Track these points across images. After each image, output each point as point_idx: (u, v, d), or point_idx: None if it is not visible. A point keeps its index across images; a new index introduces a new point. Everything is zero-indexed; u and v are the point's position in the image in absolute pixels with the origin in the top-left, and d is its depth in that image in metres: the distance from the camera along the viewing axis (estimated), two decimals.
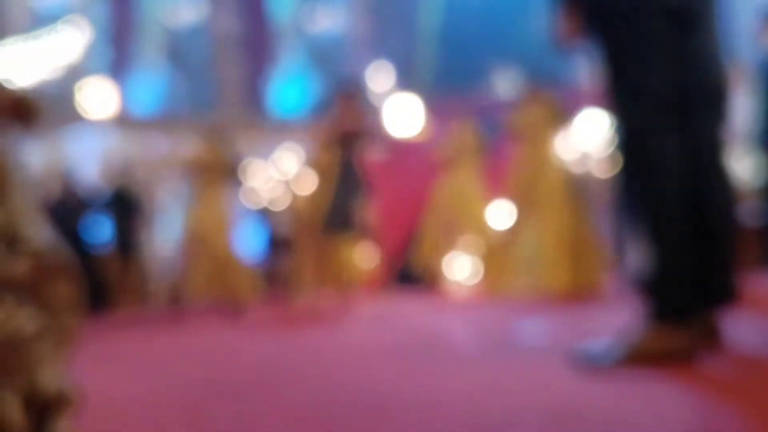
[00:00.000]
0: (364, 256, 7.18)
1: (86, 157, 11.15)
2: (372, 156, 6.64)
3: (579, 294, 5.70)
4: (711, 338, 2.53)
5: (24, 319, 0.66)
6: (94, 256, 7.85)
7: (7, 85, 0.70)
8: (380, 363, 2.97)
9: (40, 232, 0.69)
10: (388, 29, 18.06)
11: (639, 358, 2.33)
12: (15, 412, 0.64)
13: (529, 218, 6.06)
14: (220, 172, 6.68)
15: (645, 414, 1.74)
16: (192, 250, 6.68)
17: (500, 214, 7.05)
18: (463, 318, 4.78)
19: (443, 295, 7.02)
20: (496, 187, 7.24)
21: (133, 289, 8.37)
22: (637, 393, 1.98)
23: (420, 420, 1.82)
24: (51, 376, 0.67)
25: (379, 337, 4.02)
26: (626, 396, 1.96)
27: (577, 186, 6.57)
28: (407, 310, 6.02)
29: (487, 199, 7.27)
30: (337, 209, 6.14)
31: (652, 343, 2.35)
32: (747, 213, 6.18)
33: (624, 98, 2.50)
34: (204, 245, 6.48)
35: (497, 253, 6.67)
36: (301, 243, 6.72)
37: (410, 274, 8.01)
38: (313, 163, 6.90)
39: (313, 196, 6.60)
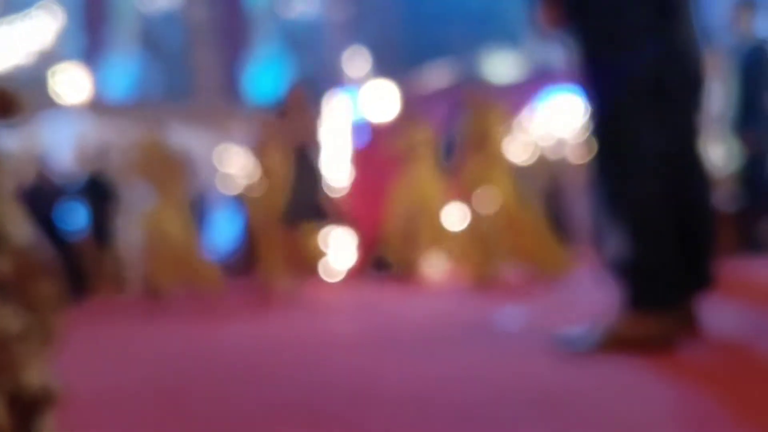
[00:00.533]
0: (333, 243, 7.23)
1: (60, 142, 11.04)
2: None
3: (547, 278, 5.83)
4: (689, 325, 2.55)
5: (8, 318, 0.65)
6: (69, 243, 7.78)
7: None
8: (360, 351, 2.98)
9: (21, 229, 0.68)
10: (364, 14, 17.99)
11: (618, 344, 2.35)
12: (0, 411, 0.63)
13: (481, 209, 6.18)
14: (168, 167, 6.66)
15: (625, 401, 1.76)
16: (151, 245, 6.63)
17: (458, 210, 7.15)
18: (440, 305, 4.80)
19: (417, 282, 7.05)
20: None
21: (109, 277, 8.31)
22: (617, 380, 2.01)
23: (404, 409, 1.83)
24: (36, 374, 0.66)
25: (357, 325, 4.03)
26: (606, 383, 1.97)
27: (526, 176, 6.78)
28: (383, 297, 6.04)
29: (445, 195, 7.34)
30: (298, 200, 6.19)
31: (631, 330, 2.36)
32: (722, 199, 6.25)
33: (603, 83, 2.50)
34: (162, 240, 6.45)
35: (461, 243, 6.73)
36: (264, 234, 6.71)
37: (384, 261, 8.04)
38: (260, 156, 6.93)
39: (267, 190, 6.64)
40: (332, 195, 6.58)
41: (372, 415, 1.79)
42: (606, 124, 2.52)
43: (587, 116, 2.70)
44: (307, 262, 6.81)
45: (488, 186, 6.20)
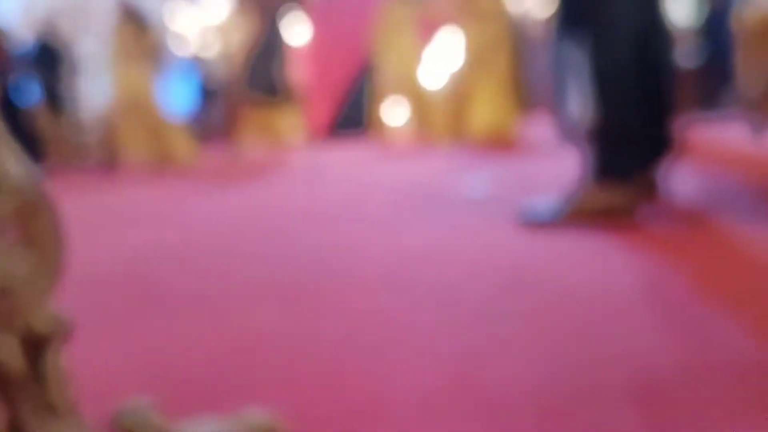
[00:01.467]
0: (292, 116, 7.16)
1: (6, 7, 10.58)
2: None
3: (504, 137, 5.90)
4: (650, 193, 2.62)
5: (15, 262, 0.66)
6: (22, 111, 7.61)
7: None
8: (331, 223, 3.00)
9: (17, 166, 0.68)
10: None
11: (583, 214, 2.41)
12: (15, 355, 0.65)
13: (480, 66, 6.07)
14: (139, 41, 6.47)
15: (593, 276, 1.80)
16: (123, 116, 6.51)
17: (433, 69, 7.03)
18: (407, 170, 4.81)
19: (381, 142, 7.05)
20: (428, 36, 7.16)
21: (64, 143, 8.18)
22: (584, 252, 2.05)
23: (382, 282, 1.87)
24: (44, 313, 0.67)
25: (327, 194, 4.04)
26: (573, 255, 2.02)
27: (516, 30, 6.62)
28: (349, 162, 6.04)
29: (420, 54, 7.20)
30: (257, 73, 6.08)
31: (596, 200, 2.42)
32: (684, 54, 6.25)
33: None
34: (134, 112, 6.34)
35: (430, 102, 6.68)
36: (233, 98, 6.63)
37: (350, 119, 7.99)
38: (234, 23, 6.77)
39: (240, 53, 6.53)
40: (291, 70, 6.42)
41: (356, 292, 1.82)
42: None
43: None
44: (268, 131, 6.75)
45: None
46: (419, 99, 7.01)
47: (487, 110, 6.03)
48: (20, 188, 0.66)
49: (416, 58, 7.13)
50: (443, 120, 6.34)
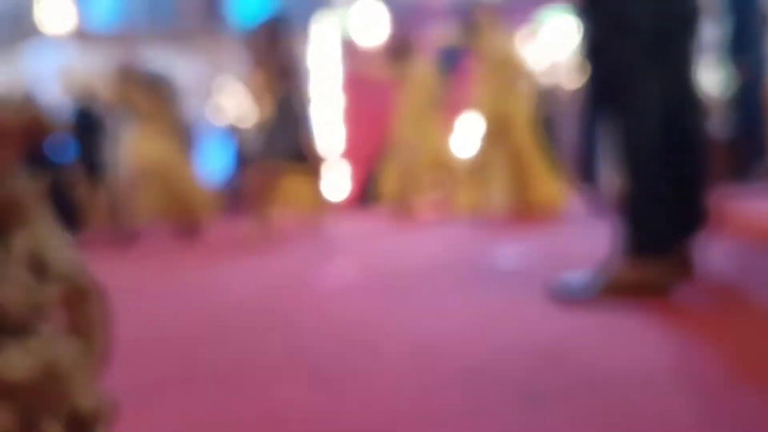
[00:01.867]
0: (317, 184, 7.21)
1: (46, 74, 10.89)
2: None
3: (539, 211, 5.84)
4: (685, 268, 2.60)
5: (62, 349, 0.67)
6: (60, 177, 7.73)
7: (24, 104, 0.68)
8: (359, 296, 2.99)
9: (64, 254, 0.70)
10: None
11: (617, 291, 2.39)
12: None
13: (496, 141, 6.10)
14: (149, 92, 6.51)
15: (627, 353, 1.78)
16: (136, 182, 6.51)
17: (462, 142, 7.08)
18: (436, 243, 4.80)
19: (410, 216, 7.05)
20: (457, 113, 7.22)
21: (101, 210, 8.28)
22: (620, 330, 2.02)
23: (412, 360, 1.86)
24: (89, 397, 0.68)
25: (354, 266, 4.05)
26: (609, 334, 2.00)
27: (541, 104, 6.69)
28: (379, 235, 6.04)
29: (448, 131, 7.27)
30: (277, 140, 6.12)
31: (630, 277, 2.39)
32: (716, 126, 6.25)
33: (605, 30, 2.49)
34: (150, 176, 6.34)
35: (463, 176, 6.69)
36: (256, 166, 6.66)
37: (377, 193, 8.00)
38: (249, 83, 6.85)
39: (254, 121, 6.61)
40: (314, 140, 6.45)
41: (384, 370, 1.80)
42: (611, 72, 2.51)
43: (583, 51, 2.69)
44: (292, 200, 6.77)
45: (506, 113, 6.10)
46: (444, 172, 7.05)
47: (542, 184, 6.02)
48: (68, 274, 0.68)
49: (440, 132, 7.20)
50: (467, 193, 6.34)
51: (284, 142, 6.05)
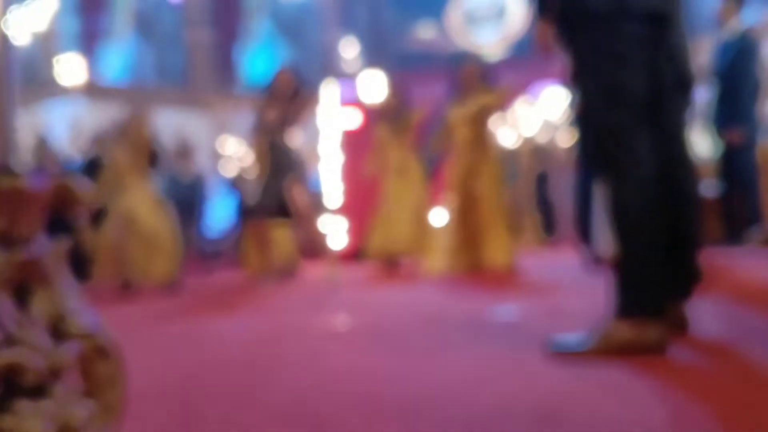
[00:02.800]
0: (294, 238, 7.24)
1: (57, 126, 11.01)
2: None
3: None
4: (680, 327, 2.60)
5: (75, 407, 0.67)
6: (72, 227, 7.71)
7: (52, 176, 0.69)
8: (359, 346, 2.98)
9: (82, 317, 0.70)
10: (354, 1, 17.87)
11: (613, 350, 2.38)
12: None
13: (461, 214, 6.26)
14: (143, 157, 6.52)
15: (625, 410, 1.77)
16: (122, 233, 6.44)
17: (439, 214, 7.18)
18: (428, 299, 4.78)
19: (401, 271, 7.05)
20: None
21: (105, 261, 8.24)
22: (616, 388, 2.01)
23: (406, 418, 1.84)
24: None
25: (352, 315, 4.03)
26: (606, 391, 1.98)
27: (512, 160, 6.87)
28: (369, 287, 6.03)
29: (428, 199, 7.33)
30: (267, 194, 6.17)
31: (626, 336, 2.39)
32: (704, 187, 6.30)
33: (599, 100, 2.51)
34: (132, 228, 6.30)
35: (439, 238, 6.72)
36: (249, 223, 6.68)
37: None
38: (252, 144, 6.93)
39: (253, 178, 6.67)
40: (303, 191, 6.48)
41: (384, 425, 1.78)
42: (605, 138, 2.52)
43: (575, 117, 2.72)
44: (274, 254, 6.77)
45: (479, 178, 6.24)
46: (426, 232, 7.09)
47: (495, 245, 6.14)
48: (83, 335, 0.67)
49: (422, 193, 7.25)
50: (452, 252, 6.37)
51: (272, 199, 6.11)
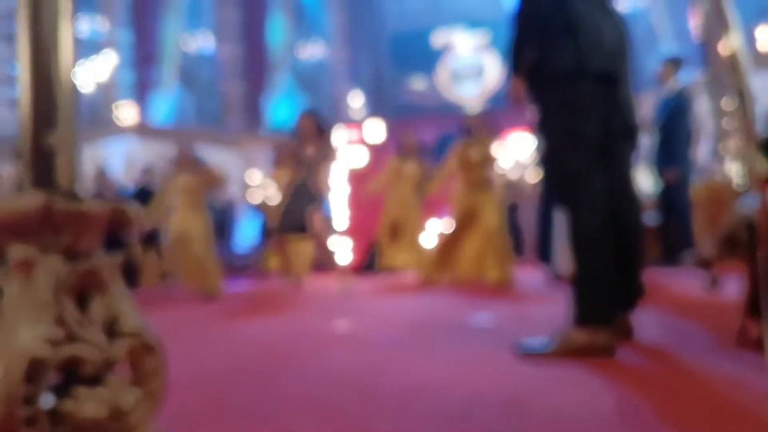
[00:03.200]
0: (312, 250, 7.21)
1: (115, 160, 11.04)
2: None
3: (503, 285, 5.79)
4: (626, 334, 2.59)
5: (124, 394, 0.66)
6: (125, 243, 7.71)
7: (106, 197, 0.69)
8: (362, 346, 2.96)
9: (132, 314, 0.70)
10: (359, 59, 17.98)
11: (571, 351, 2.37)
12: None
13: (463, 229, 6.15)
14: (199, 186, 6.52)
15: (581, 402, 1.76)
16: (174, 249, 6.41)
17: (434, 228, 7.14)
18: (418, 305, 4.76)
19: (399, 282, 7.00)
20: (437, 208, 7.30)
21: (151, 271, 8.26)
22: (574, 383, 2.00)
23: (400, 405, 1.82)
24: None
25: (358, 320, 4.01)
26: (563, 386, 1.97)
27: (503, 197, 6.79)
28: (372, 297, 6.00)
29: (423, 218, 7.32)
30: (289, 214, 6.16)
31: (581, 340, 2.38)
32: (646, 218, 6.30)
33: (561, 144, 2.52)
34: (184, 246, 6.30)
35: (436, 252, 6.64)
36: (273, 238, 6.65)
37: (374, 264, 8.06)
38: (273, 175, 6.93)
39: (276, 203, 6.65)
40: (321, 214, 6.44)
41: (376, 412, 1.77)
42: (565, 179, 2.53)
43: (539, 158, 2.73)
44: (295, 265, 6.75)
45: (475, 206, 6.14)
46: (419, 246, 7.08)
47: (474, 260, 6.03)
48: (133, 332, 0.67)
49: (420, 220, 7.25)
50: (441, 266, 6.32)
51: (294, 218, 6.10)
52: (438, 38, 17.67)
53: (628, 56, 2.65)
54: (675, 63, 6.69)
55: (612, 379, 2.04)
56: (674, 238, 6.58)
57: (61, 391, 0.66)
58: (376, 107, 16.97)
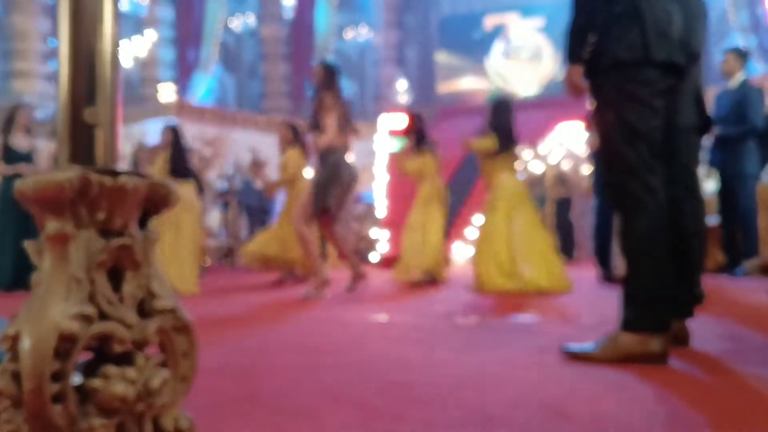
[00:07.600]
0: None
1: (152, 138, 11.28)
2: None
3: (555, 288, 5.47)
4: (682, 340, 2.54)
5: (154, 374, 0.68)
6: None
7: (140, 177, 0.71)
8: (398, 339, 2.97)
9: (165, 293, 0.71)
10: (407, 43, 17.93)
11: (620, 358, 2.34)
12: None
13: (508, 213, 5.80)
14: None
15: (627, 409, 1.74)
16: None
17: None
18: (447, 306, 4.73)
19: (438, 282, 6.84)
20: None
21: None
22: (619, 389, 1.97)
23: (435, 403, 1.82)
24: (172, 416, 0.69)
25: (394, 314, 4.02)
26: (609, 391, 1.95)
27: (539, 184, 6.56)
28: (413, 293, 6.00)
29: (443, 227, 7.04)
30: (317, 195, 5.85)
31: (631, 346, 2.34)
32: (709, 218, 6.18)
33: (618, 138, 2.45)
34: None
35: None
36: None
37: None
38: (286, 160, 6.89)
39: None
40: (347, 197, 6.17)
41: (414, 411, 1.75)
42: (622, 177, 2.45)
43: (595, 155, 2.68)
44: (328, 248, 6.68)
45: (522, 190, 5.86)
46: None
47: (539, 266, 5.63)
48: (165, 312, 0.68)
49: (439, 223, 6.95)
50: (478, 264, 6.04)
51: (319, 198, 5.71)
52: (491, 21, 17.52)
53: (700, 45, 2.57)
54: (740, 55, 6.53)
55: (663, 386, 2.00)
56: (739, 243, 6.43)
57: (90, 369, 0.68)
58: (421, 94, 16.92)
